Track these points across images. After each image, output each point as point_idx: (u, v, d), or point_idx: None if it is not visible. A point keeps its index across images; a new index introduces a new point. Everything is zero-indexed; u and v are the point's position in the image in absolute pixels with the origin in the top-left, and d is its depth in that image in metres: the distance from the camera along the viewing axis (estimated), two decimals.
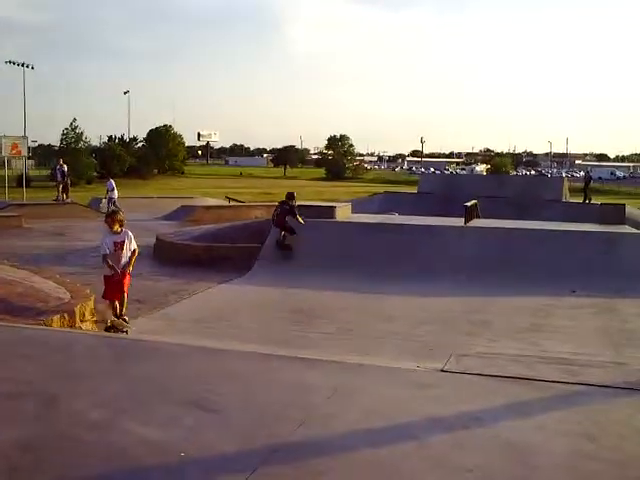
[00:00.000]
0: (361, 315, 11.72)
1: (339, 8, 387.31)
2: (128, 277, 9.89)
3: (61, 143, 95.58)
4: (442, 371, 6.69)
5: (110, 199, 35.45)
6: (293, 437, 4.87)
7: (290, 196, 18.04)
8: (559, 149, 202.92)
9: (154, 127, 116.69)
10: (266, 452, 4.65)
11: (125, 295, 9.88)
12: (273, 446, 4.74)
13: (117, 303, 9.79)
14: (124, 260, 9.78)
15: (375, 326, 10.90)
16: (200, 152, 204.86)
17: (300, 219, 17.57)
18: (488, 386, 6.30)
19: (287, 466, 4.49)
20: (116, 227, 9.88)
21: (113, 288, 9.76)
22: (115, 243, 9.85)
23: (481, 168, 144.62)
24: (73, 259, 17.82)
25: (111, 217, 10.12)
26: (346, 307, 12.36)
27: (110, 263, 9.66)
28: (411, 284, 13.89)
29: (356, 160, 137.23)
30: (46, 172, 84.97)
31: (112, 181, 36.18)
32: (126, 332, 9.41)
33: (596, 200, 36.52)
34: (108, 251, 9.75)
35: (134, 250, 9.91)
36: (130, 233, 9.96)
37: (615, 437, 5.10)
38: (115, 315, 9.72)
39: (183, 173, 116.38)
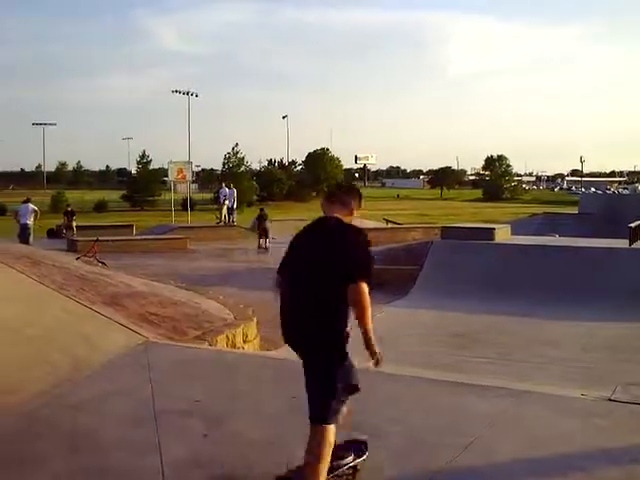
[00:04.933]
0: (521, 340, 11.47)
1: (493, 27, 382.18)
2: None
3: (223, 167, 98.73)
4: (609, 400, 6.45)
5: (230, 209, 35.87)
6: (453, 464, 4.81)
7: (262, 210, 30.92)
8: None
9: (312, 150, 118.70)
10: (426, 479, 4.62)
11: None
12: (433, 473, 4.71)
13: None
14: None
15: (535, 351, 10.64)
16: (357, 175, 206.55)
17: (269, 223, 29.25)
18: None
19: None
20: None
21: None
22: None
23: None
24: (234, 280, 18.25)
25: None
26: (506, 331, 12.12)
27: None
28: (572, 308, 13.46)
29: (514, 180, 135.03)
30: (209, 196, 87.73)
31: (234, 190, 36.63)
32: None
33: None
34: None
35: None
36: None
37: None
38: None
39: None
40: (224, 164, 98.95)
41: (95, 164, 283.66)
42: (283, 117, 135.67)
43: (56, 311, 8.53)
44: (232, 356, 8.21)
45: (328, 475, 4.36)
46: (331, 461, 4.37)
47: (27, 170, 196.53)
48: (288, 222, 41.19)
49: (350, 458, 4.62)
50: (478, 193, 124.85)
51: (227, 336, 9.05)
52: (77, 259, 15.08)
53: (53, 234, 36.39)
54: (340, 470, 4.54)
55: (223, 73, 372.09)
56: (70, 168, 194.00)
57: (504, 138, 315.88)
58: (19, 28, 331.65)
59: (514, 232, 19.89)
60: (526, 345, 11.06)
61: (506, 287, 15.08)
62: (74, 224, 35.18)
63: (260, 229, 29.17)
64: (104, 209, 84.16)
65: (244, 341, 9.47)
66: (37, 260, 11.17)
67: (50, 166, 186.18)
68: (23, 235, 27.13)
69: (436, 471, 4.73)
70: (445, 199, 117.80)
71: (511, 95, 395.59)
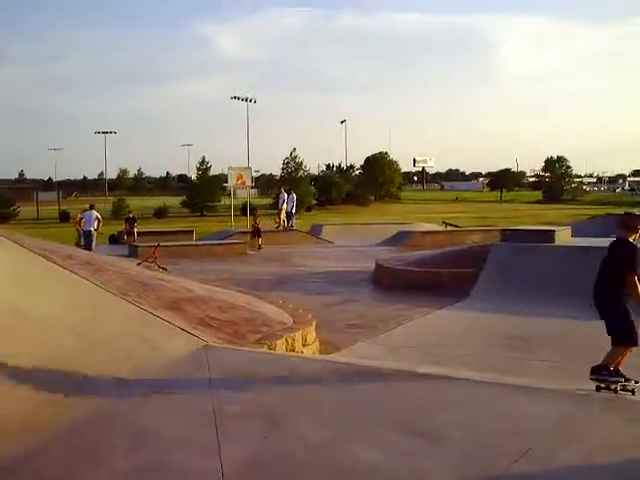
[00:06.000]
0: (582, 343, 11.28)
1: (553, 27, 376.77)
2: None
3: (282, 172, 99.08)
4: None
5: (290, 214, 35.91)
6: (513, 469, 4.78)
7: (255, 211, 35.27)
8: None
9: (370, 154, 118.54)
10: None
11: None
12: (494, 477, 4.68)
13: None
14: None
15: (597, 355, 10.44)
16: (416, 178, 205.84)
17: (258, 221, 31.58)
18: None
19: None
20: None
21: None
22: None
23: None
24: (294, 284, 18.33)
25: None
26: (567, 334, 11.96)
27: None
28: (635, 311, 13.21)
29: (574, 182, 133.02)
30: (268, 200, 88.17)
31: (294, 194, 36.65)
32: None
33: None
34: None
35: None
36: None
37: None
38: None
39: (399, 199, 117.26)
40: (283, 169, 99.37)
41: (155, 171, 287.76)
42: (342, 122, 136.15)
43: (119, 316, 8.67)
44: (292, 360, 8.26)
45: (617, 384, 7.20)
46: (624, 377, 7.24)
47: (89, 178, 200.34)
48: (345, 227, 41.32)
49: (633, 382, 7.24)
50: (538, 195, 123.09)
51: (286, 340, 9.10)
52: (138, 264, 15.31)
53: (115, 240, 36.94)
54: (627, 384, 7.20)
55: (281, 79, 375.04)
56: (131, 175, 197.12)
57: (564, 139, 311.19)
58: (80, 40, 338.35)
59: (575, 234, 19.56)
60: (588, 348, 10.82)
61: (567, 290, 14.86)
62: (135, 230, 35.65)
63: (254, 230, 31.23)
64: (164, 215, 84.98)
65: (303, 345, 9.50)
66: (100, 266, 11.35)
67: (111, 173, 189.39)
68: (86, 241, 27.60)
69: (497, 475, 4.70)
70: (504, 201, 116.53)
71: (570, 95, 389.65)
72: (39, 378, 6.41)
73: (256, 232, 30.37)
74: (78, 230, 30.83)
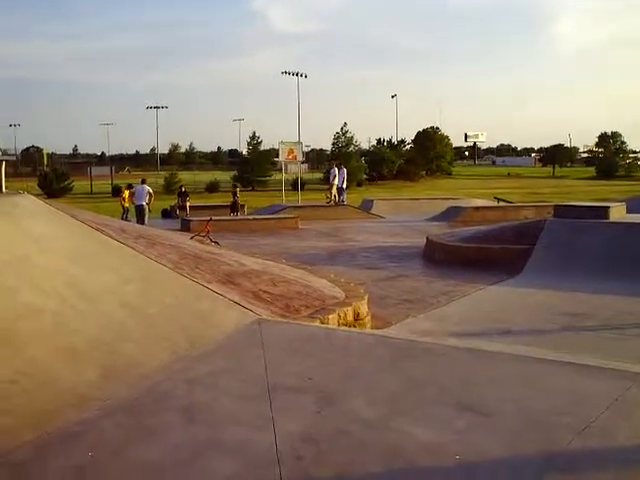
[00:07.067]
0: (637, 321, 11.15)
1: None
2: None
3: (332, 147, 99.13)
4: None
5: (341, 189, 35.84)
6: (570, 447, 4.72)
7: (235, 187, 39.41)
8: None
9: (421, 129, 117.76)
10: (541, 461, 4.55)
11: None
12: (549, 455, 4.62)
13: None
14: None
15: None
16: (467, 153, 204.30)
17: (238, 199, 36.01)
18: None
19: (565, 477, 4.38)
20: None
21: None
22: None
23: None
24: (345, 259, 18.37)
25: None
26: (621, 312, 11.78)
27: None
28: None
29: (629, 157, 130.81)
30: (319, 175, 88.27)
31: (344, 169, 36.59)
32: None
33: None
34: None
35: None
36: None
37: None
38: None
39: (450, 174, 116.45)
40: (333, 144, 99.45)
41: (207, 146, 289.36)
42: (392, 96, 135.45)
43: (173, 290, 8.74)
44: (344, 334, 8.26)
45: None
46: None
47: (142, 152, 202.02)
48: (395, 202, 41.23)
49: None
50: (591, 171, 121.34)
51: (339, 314, 9.11)
52: (191, 238, 15.41)
53: (167, 214, 37.30)
54: None
55: (332, 52, 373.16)
56: (182, 150, 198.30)
57: (618, 113, 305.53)
58: (130, 16, 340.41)
59: (629, 210, 19.27)
60: None
61: (622, 267, 14.66)
62: (188, 204, 35.97)
63: (232, 204, 35.06)
64: (216, 189, 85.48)
65: (355, 319, 9.51)
66: (153, 240, 11.44)
67: (163, 148, 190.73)
68: (139, 216, 27.94)
69: (553, 453, 4.65)
70: (557, 177, 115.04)
71: (624, 68, 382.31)
72: (94, 352, 6.49)
73: (235, 207, 31.34)
74: (123, 205, 31.29)
